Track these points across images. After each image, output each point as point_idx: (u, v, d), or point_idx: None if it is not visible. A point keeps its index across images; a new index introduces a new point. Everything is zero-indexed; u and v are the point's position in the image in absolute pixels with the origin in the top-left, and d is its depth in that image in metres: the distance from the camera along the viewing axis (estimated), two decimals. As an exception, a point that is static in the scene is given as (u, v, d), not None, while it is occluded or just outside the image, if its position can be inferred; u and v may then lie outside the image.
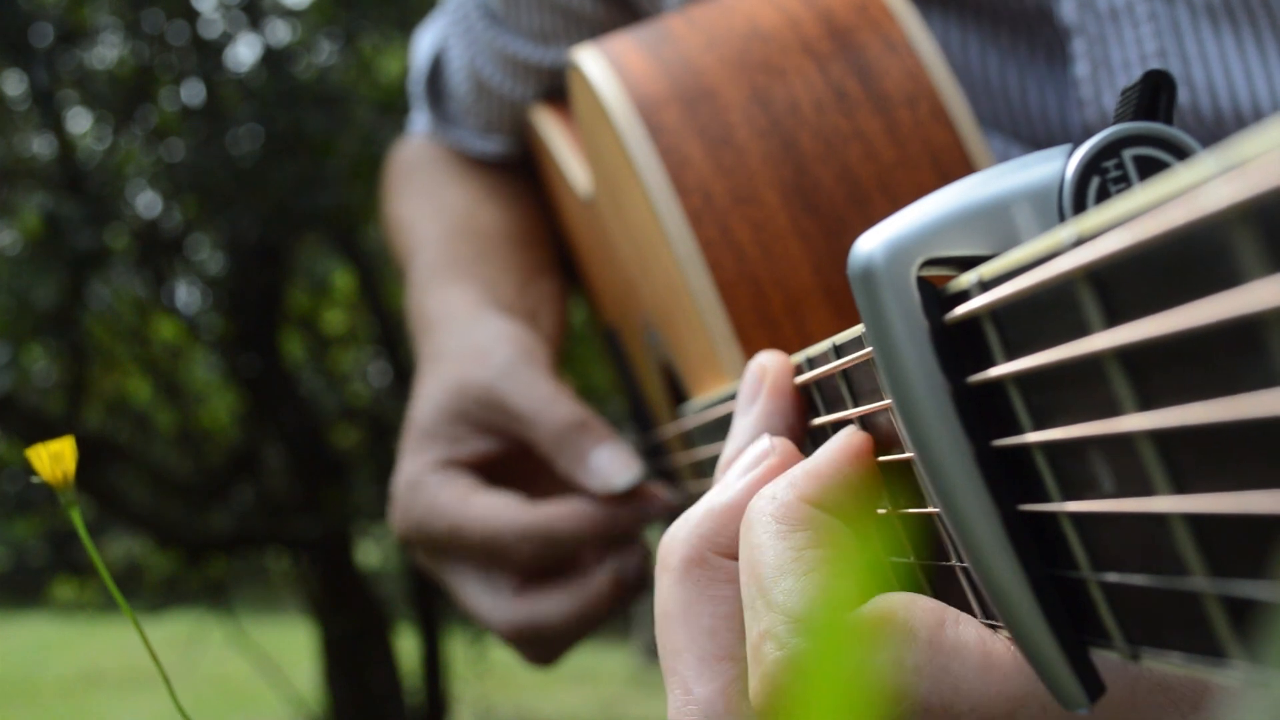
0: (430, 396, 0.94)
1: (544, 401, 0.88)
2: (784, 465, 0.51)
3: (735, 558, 0.49)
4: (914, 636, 0.42)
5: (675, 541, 0.51)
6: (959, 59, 0.86)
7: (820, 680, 0.24)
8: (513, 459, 0.93)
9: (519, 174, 1.17)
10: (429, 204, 1.15)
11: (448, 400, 0.92)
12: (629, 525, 0.89)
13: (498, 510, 0.87)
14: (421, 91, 1.20)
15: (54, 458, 0.56)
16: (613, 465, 0.86)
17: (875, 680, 0.41)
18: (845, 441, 0.47)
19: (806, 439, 0.55)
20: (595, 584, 0.90)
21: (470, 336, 0.95)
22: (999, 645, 0.42)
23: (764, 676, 0.43)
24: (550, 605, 0.89)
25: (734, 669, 0.48)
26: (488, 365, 0.91)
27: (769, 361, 0.55)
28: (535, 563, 0.88)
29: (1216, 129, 0.79)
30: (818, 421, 0.53)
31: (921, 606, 0.43)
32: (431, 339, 0.99)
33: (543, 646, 0.93)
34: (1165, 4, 0.79)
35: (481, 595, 0.91)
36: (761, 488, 0.49)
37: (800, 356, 0.53)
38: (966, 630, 0.43)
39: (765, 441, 0.52)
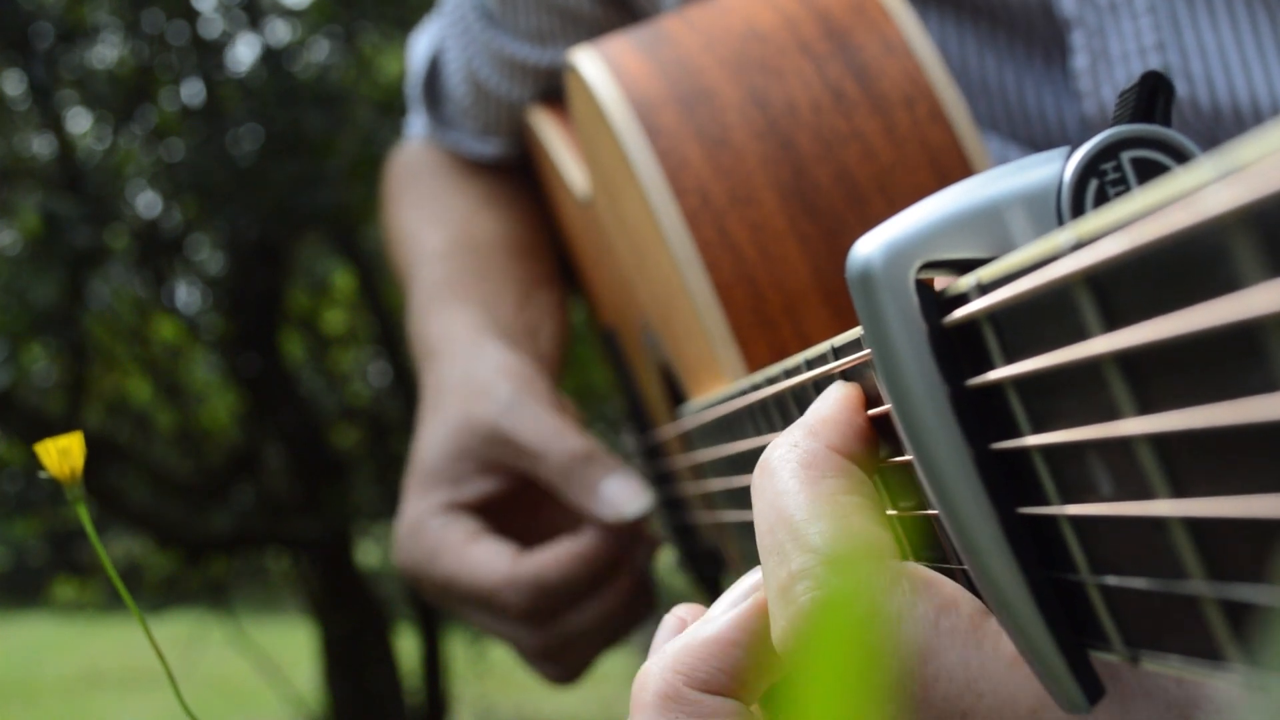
0: (433, 436, 0.94)
1: (551, 435, 0.88)
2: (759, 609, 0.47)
3: (713, 692, 0.46)
4: (957, 609, 0.41)
5: (649, 677, 0.47)
6: (957, 59, 0.86)
7: (853, 622, 0.23)
8: (517, 495, 0.93)
9: (517, 178, 1.17)
10: (427, 214, 1.14)
11: (451, 440, 0.92)
12: (619, 556, 0.89)
13: (489, 562, 0.88)
14: (418, 94, 1.19)
15: (62, 453, 0.56)
16: (623, 494, 0.87)
17: (908, 632, 0.40)
18: (846, 392, 0.46)
19: None
20: (616, 586, 0.90)
21: (471, 370, 0.94)
22: (1004, 645, 0.42)
23: (797, 616, 0.41)
24: (574, 614, 0.90)
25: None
26: (491, 401, 0.91)
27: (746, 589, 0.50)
28: (531, 611, 0.88)
29: (1215, 122, 0.79)
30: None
31: (969, 594, 0.42)
32: (433, 367, 0.99)
33: (568, 656, 0.93)
34: None
35: (496, 625, 0.91)
36: (750, 618, 0.46)
37: (799, 359, 0.53)
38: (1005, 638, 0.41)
39: (757, 576, 0.48)
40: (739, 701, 0.46)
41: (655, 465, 1.05)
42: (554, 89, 1.08)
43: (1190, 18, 0.79)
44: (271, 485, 3.56)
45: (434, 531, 0.91)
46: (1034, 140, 0.85)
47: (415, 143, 1.23)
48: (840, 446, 0.44)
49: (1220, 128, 0.79)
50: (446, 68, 1.15)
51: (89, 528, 0.55)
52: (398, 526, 0.94)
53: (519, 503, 0.94)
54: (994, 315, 0.36)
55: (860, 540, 0.42)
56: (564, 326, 1.09)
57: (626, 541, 0.90)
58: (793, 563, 0.42)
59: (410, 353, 1.09)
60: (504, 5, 1.06)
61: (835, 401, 0.46)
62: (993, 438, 0.38)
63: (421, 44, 1.21)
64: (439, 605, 0.97)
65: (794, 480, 0.44)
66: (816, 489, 0.43)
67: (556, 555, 0.87)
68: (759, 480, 0.45)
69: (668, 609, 0.54)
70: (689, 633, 0.47)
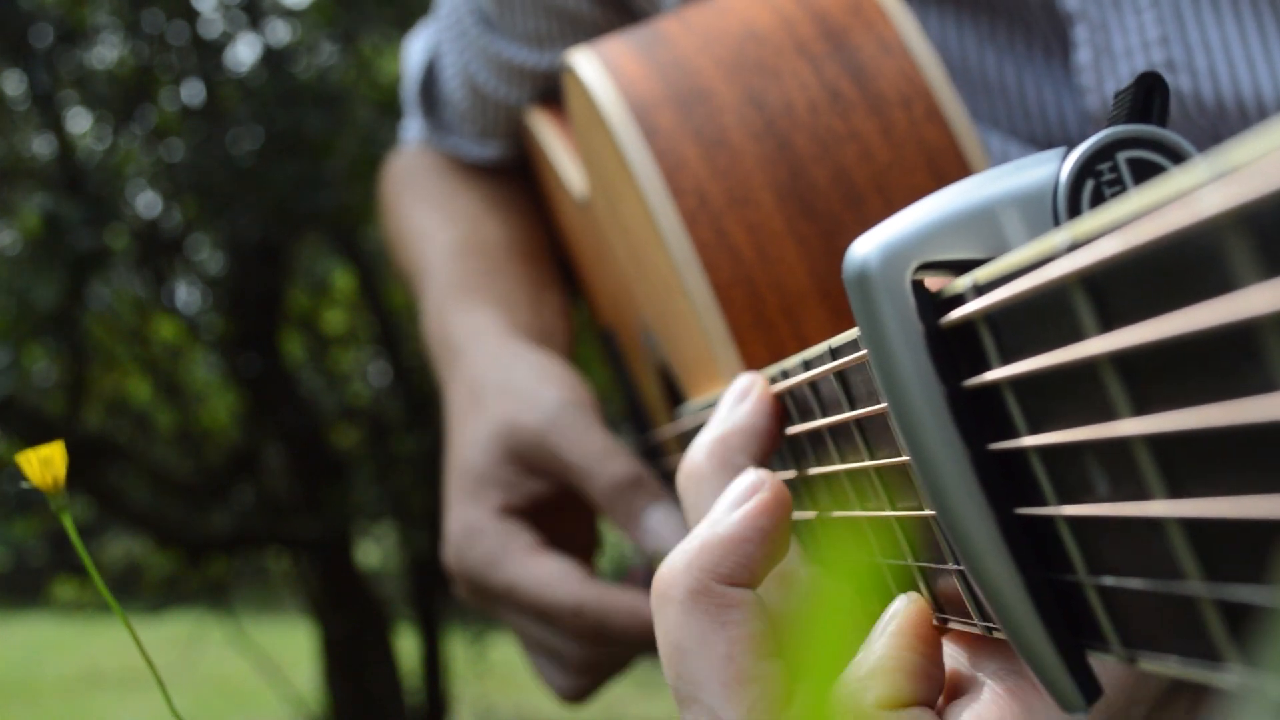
0: (478, 440, 0.93)
1: (598, 457, 0.88)
2: (775, 499, 0.51)
3: (738, 584, 0.50)
4: None
5: (675, 574, 0.50)
6: (955, 56, 0.86)
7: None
8: (554, 504, 0.93)
9: (516, 181, 1.17)
10: (434, 214, 1.14)
11: (498, 443, 0.91)
12: None
13: (556, 580, 0.87)
14: (415, 99, 1.19)
15: (44, 462, 0.56)
16: (665, 527, 0.87)
17: None
18: (901, 623, 0.47)
19: (800, 435, 0.55)
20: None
21: (511, 374, 0.94)
22: None
23: None
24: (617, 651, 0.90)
25: (756, 689, 0.48)
26: (537, 409, 0.90)
27: (754, 477, 0.54)
28: (582, 640, 0.88)
29: (1218, 118, 0.79)
30: (814, 425, 0.53)
31: None
32: (460, 367, 0.98)
33: (592, 680, 0.93)
34: None
35: (544, 636, 0.91)
36: (755, 521, 0.50)
37: (796, 360, 0.53)
38: None
39: (753, 475, 0.52)
40: (753, 590, 0.50)
41: (654, 465, 1.05)
42: (552, 91, 1.08)
43: (1194, 12, 0.79)
44: (271, 485, 3.56)
45: (493, 537, 0.90)
46: (1034, 136, 0.85)
47: (412, 147, 1.23)
48: (890, 699, 0.45)
49: (1224, 123, 0.79)
50: (443, 72, 1.14)
51: (73, 536, 0.55)
52: (448, 529, 0.93)
53: (554, 507, 0.94)
54: (990, 316, 0.36)
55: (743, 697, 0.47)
56: (571, 329, 1.09)
57: None
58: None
59: (411, 352, 1.09)
60: (501, 9, 1.05)
61: (885, 648, 0.46)
62: (989, 438, 0.38)
63: (416, 48, 1.21)
64: (479, 607, 0.96)
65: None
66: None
67: (627, 606, 0.86)
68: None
69: None
70: (703, 534, 0.51)
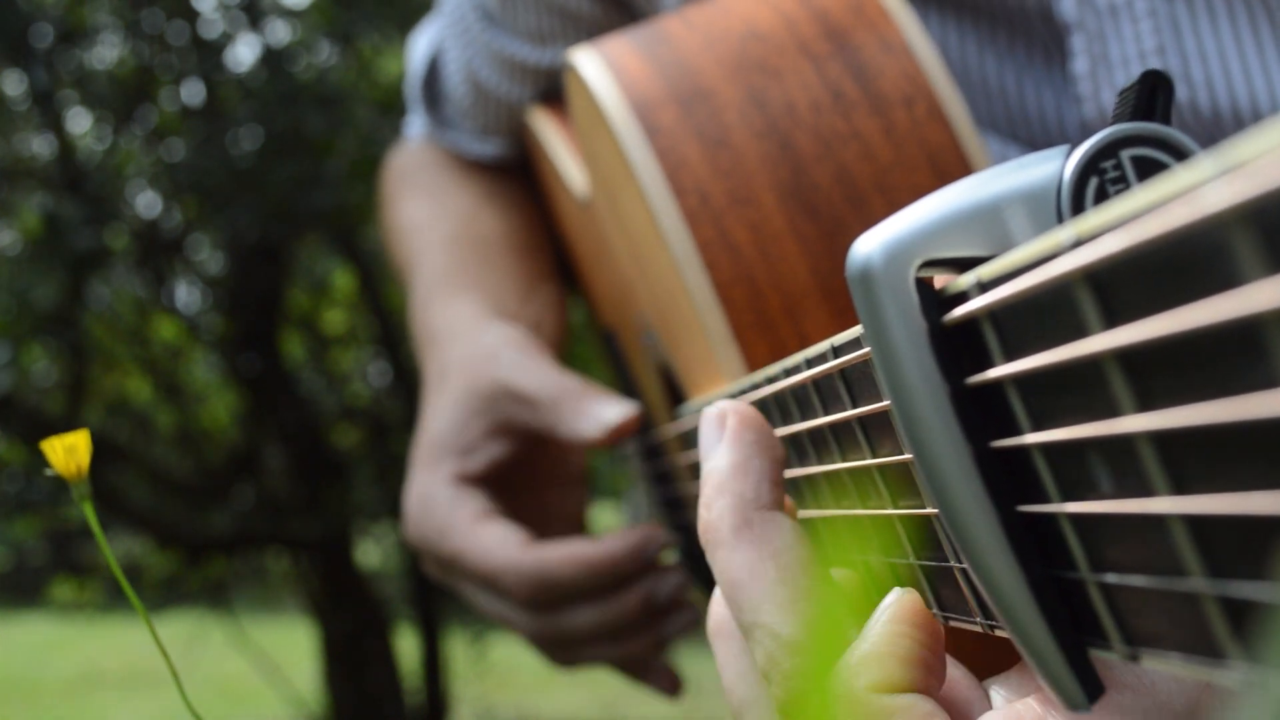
0: (440, 409, 0.94)
1: (549, 379, 0.89)
2: (744, 413, 0.54)
3: (767, 508, 0.52)
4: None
5: (716, 517, 0.52)
6: (956, 59, 0.86)
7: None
8: (523, 471, 0.93)
9: (517, 177, 1.17)
10: (428, 210, 1.15)
11: (457, 408, 0.93)
12: (629, 570, 0.89)
13: (499, 545, 0.88)
14: (418, 94, 1.19)
15: (68, 451, 0.56)
16: (607, 408, 0.87)
17: None
18: (896, 611, 0.47)
19: (802, 433, 0.55)
20: (622, 600, 0.90)
21: (475, 346, 0.95)
22: None
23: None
24: (574, 613, 0.90)
25: (810, 605, 0.50)
26: (496, 364, 0.92)
27: (728, 404, 0.56)
28: (529, 600, 0.88)
29: (1215, 126, 0.79)
30: (817, 423, 0.53)
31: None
32: (437, 353, 0.99)
33: (565, 650, 0.93)
34: (1165, 1, 0.79)
35: (495, 606, 0.92)
36: (746, 439, 0.53)
37: (799, 358, 0.53)
38: None
39: (714, 407, 0.55)
40: (787, 515, 0.52)
41: (655, 465, 1.05)
42: (554, 89, 1.08)
43: (1191, 22, 0.79)
44: (271, 485, 3.56)
45: (444, 505, 0.91)
46: (1033, 140, 0.85)
47: (414, 142, 1.23)
48: (883, 684, 0.46)
49: (1221, 132, 0.79)
50: (446, 68, 1.15)
51: (94, 525, 0.55)
52: (406, 499, 0.94)
53: (523, 484, 0.94)
54: (994, 313, 0.36)
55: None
56: (564, 323, 1.09)
57: (642, 560, 0.90)
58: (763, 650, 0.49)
59: (410, 352, 1.09)
60: (504, 5, 1.05)
61: (880, 635, 0.48)
62: (992, 436, 0.38)
63: (420, 44, 1.21)
64: (440, 580, 0.96)
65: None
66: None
67: (564, 554, 0.87)
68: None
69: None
70: (713, 472, 0.53)
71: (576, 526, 1.01)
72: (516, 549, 0.87)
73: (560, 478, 0.98)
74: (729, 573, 0.52)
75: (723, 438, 0.54)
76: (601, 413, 0.86)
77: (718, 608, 0.57)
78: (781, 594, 0.50)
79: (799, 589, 0.50)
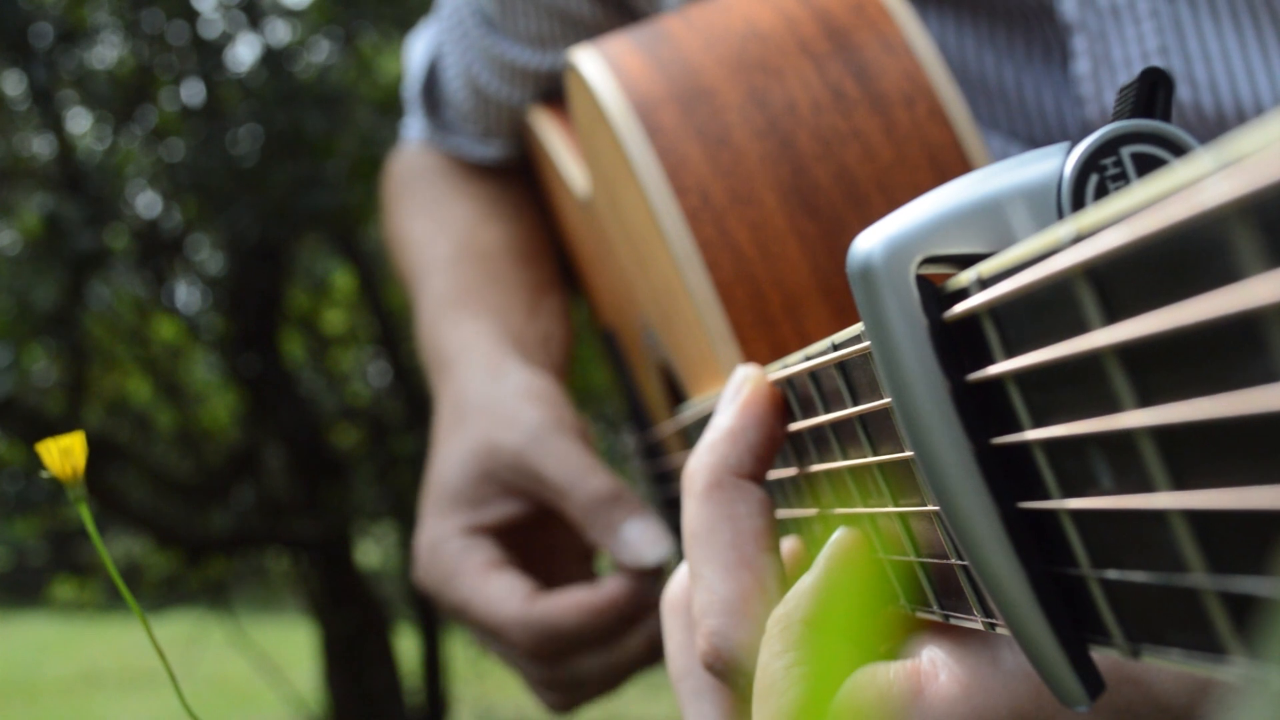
0: (455, 456, 0.94)
1: (578, 473, 0.89)
2: (761, 387, 0.56)
3: (747, 477, 0.55)
4: (894, 714, 0.45)
5: (698, 468, 0.56)
6: (957, 58, 0.86)
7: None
8: (537, 521, 0.93)
9: (518, 180, 1.17)
10: (432, 221, 1.14)
11: (475, 462, 0.92)
12: (632, 614, 0.90)
13: (504, 599, 0.88)
14: (417, 98, 1.19)
15: (64, 452, 0.56)
16: (644, 540, 0.87)
17: None
18: (834, 548, 0.51)
19: (803, 431, 0.55)
20: (625, 644, 0.91)
21: (494, 392, 0.94)
22: (977, 683, 0.45)
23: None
24: (579, 660, 0.90)
25: (751, 577, 0.53)
26: (517, 428, 0.91)
27: (753, 371, 0.58)
28: (536, 652, 0.88)
29: (1217, 126, 0.79)
30: (818, 420, 0.53)
31: (894, 677, 0.46)
32: (449, 380, 0.99)
33: (568, 694, 0.94)
34: (1167, 1, 0.79)
35: (503, 653, 0.92)
36: (750, 410, 0.55)
37: (799, 355, 0.53)
38: (947, 684, 0.46)
39: (741, 370, 0.57)
40: (760, 485, 0.55)
41: (655, 464, 1.05)
42: (554, 91, 1.08)
43: (1193, 22, 0.79)
44: (271, 485, 3.56)
45: (452, 555, 0.91)
46: (1034, 139, 0.85)
47: (413, 146, 1.23)
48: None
49: (1224, 132, 0.79)
50: (445, 72, 1.14)
51: (90, 527, 0.55)
52: (416, 545, 0.95)
53: (535, 523, 0.94)
54: (994, 310, 0.36)
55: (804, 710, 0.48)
56: (569, 331, 1.09)
57: (644, 601, 0.90)
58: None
59: (410, 352, 1.09)
60: (503, 9, 1.05)
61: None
62: (993, 432, 0.38)
63: (418, 48, 1.21)
64: (456, 621, 0.97)
65: (764, 655, 0.50)
66: (781, 661, 0.49)
67: (569, 605, 0.87)
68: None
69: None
70: (709, 435, 0.56)
71: (584, 561, 1.01)
72: (522, 602, 0.88)
73: (556, 518, 0.98)
74: (690, 524, 0.55)
75: (734, 400, 0.56)
76: (638, 543, 0.87)
77: (674, 585, 0.61)
78: (729, 556, 0.54)
79: (745, 557, 0.54)
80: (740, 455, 0.55)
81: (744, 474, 0.55)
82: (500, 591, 0.89)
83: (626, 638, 0.90)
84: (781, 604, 0.51)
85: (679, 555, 1.01)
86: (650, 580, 0.89)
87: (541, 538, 0.96)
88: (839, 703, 0.46)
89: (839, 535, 0.51)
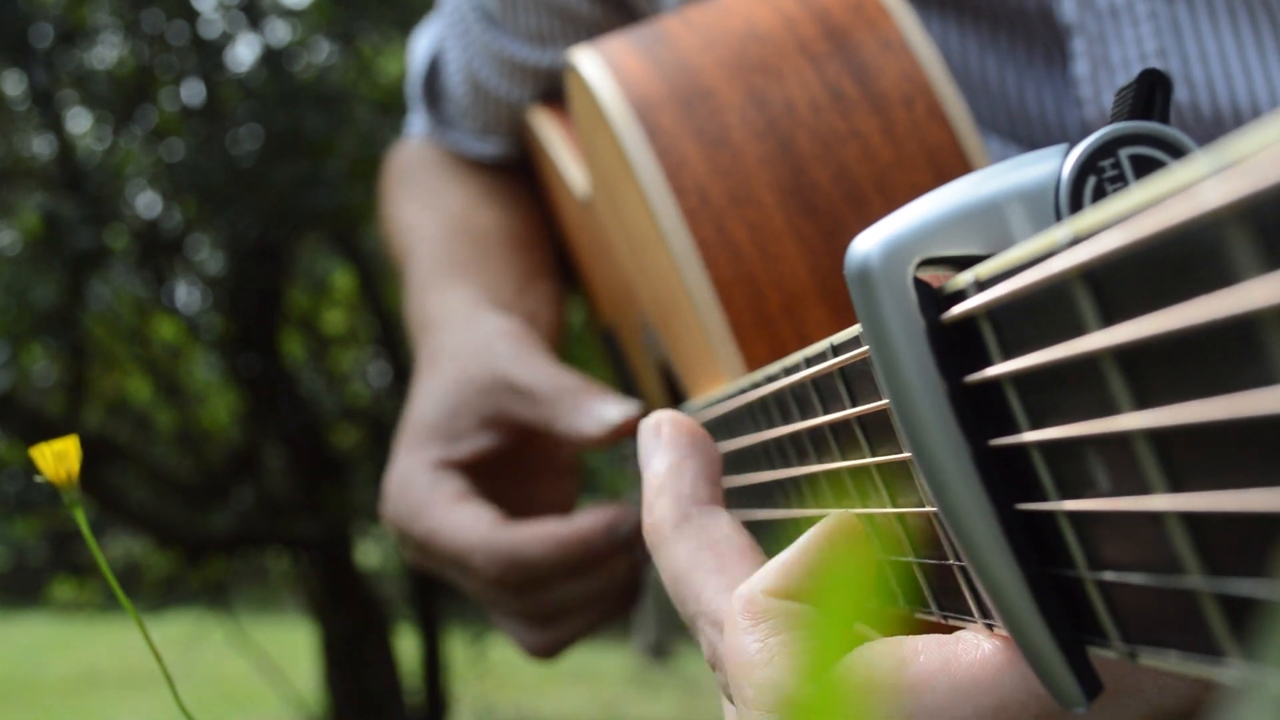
0: (429, 393, 0.94)
1: (546, 374, 0.89)
2: (678, 420, 0.56)
3: (707, 503, 0.54)
4: (876, 687, 0.44)
5: (658, 519, 0.55)
6: (957, 60, 0.86)
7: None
8: (509, 461, 0.93)
9: (517, 175, 1.18)
10: (427, 205, 1.15)
11: (447, 396, 0.92)
12: (601, 549, 0.89)
13: (470, 526, 0.88)
14: (419, 94, 1.20)
15: (58, 456, 0.56)
16: (610, 407, 0.87)
17: None
18: (816, 530, 0.50)
19: (802, 433, 0.55)
20: (595, 578, 0.90)
21: (471, 335, 0.95)
22: (962, 664, 0.44)
23: None
24: (547, 592, 0.90)
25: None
26: (492, 355, 0.92)
27: (664, 414, 0.58)
28: (500, 580, 0.88)
29: (1216, 128, 0.79)
30: (816, 422, 0.53)
31: (878, 652, 0.45)
32: (430, 339, 0.99)
33: (542, 631, 0.93)
34: (1165, 3, 0.79)
35: (471, 585, 0.92)
36: (680, 443, 0.55)
37: (798, 356, 0.53)
38: (928, 659, 0.44)
39: (650, 419, 0.57)
40: (724, 509, 0.55)
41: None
42: (554, 89, 1.08)
43: (1191, 23, 0.79)
44: (271, 485, 3.56)
45: (420, 487, 0.91)
46: (1034, 141, 0.85)
47: (414, 140, 1.24)
48: (778, 589, 0.49)
49: (1222, 133, 0.79)
50: (446, 68, 1.15)
51: (86, 531, 0.55)
52: (386, 480, 0.94)
53: (510, 472, 0.94)
54: (992, 311, 0.36)
55: (790, 681, 0.46)
56: (560, 318, 1.09)
57: (611, 541, 0.90)
58: (743, 717, 0.47)
59: (411, 352, 1.09)
60: (504, 6, 1.06)
61: (799, 543, 0.50)
62: (991, 434, 0.38)
63: (421, 44, 1.22)
64: (418, 564, 0.97)
65: (735, 632, 0.48)
66: (751, 637, 0.48)
67: (536, 533, 0.87)
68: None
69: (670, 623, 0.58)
70: (656, 480, 0.56)
71: (562, 511, 1.00)
72: (488, 528, 0.87)
73: (549, 469, 0.98)
74: (671, 567, 0.54)
75: (659, 444, 0.56)
76: (603, 411, 0.86)
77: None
78: (718, 581, 0.52)
79: (735, 578, 0.51)
80: (693, 484, 0.55)
81: (703, 500, 0.54)
82: (466, 519, 0.88)
83: (597, 570, 0.90)
84: (745, 584, 0.50)
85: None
86: (621, 516, 0.89)
87: (518, 490, 0.95)
88: (848, 673, 0.45)
89: (825, 520, 0.51)
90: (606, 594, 0.92)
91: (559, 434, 0.89)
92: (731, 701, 0.51)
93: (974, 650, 0.43)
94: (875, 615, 0.51)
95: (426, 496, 0.90)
